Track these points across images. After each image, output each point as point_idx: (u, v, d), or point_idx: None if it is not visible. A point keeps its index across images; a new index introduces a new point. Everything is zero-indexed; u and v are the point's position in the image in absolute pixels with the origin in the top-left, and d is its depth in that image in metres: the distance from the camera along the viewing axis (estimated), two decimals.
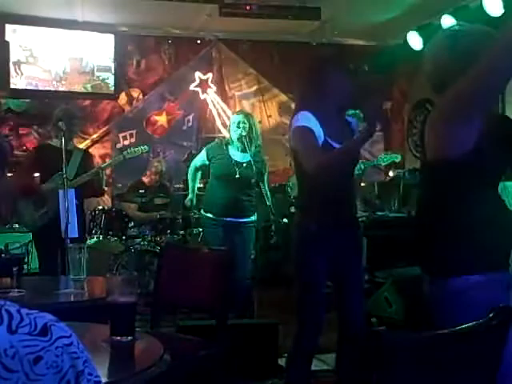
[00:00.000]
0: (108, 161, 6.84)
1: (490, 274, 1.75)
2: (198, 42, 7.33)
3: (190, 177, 4.91)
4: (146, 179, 6.21)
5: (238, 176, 4.51)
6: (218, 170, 4.61)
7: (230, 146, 4.63)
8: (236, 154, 4.59)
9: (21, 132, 6.82)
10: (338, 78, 2.77)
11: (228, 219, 4.57)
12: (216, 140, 4.94)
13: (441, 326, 1.79)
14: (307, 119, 2.68)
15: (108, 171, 6.35)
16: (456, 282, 1.76)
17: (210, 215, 4.63)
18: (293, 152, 2.82)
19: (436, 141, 1.81)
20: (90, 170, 4.57)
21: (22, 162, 5.03)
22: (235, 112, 5.02)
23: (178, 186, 6.89)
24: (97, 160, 7.00)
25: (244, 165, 4.53)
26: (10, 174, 4.77)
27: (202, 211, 4.78)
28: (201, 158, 4.78)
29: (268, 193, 4.73)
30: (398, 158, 5.48)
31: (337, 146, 2.71)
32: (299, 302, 2.87)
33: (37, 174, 4.46)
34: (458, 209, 1.80)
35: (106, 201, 6.92)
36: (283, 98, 7.49)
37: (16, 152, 6.50)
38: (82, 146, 6.31)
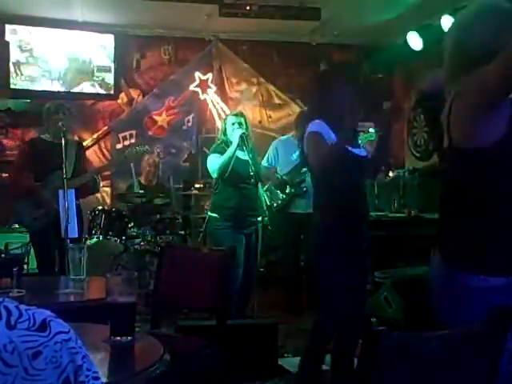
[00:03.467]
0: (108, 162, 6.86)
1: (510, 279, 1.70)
2: (198, 42, 7.33)
3: (219, 159, 4.53)
4: (143, 176, 6.21)
5: (252, 173, 4.47)
6: (233, 172, 4.50)
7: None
8: (238, 153, 4.57)
9: (21, 132, 6.81)
10: (345, 89, 3.00)
11: (248, 219, 4.53)
12: (216, 146, 4.80)
13: (443, 319, 1.79)
14: (321, 126, 2.90)
15: (108, 171, 6.34)
16: (474, 280, 1.71)
17: (225, 218, 4.52)
18: (306, 158, 3.01)
19: (464, 130, 1.74)
20: (84, 162, 4.57)
21: (16, 157, 4.99)
22: (231, 113, 4.93)
23: (177, 186, 6.90)
24: (97, 160, 7.02)
25: (249, 163, 4.50)
26: (5, 174, 4.77)
27: (212, 214, 4.64)
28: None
29: (264, 192, 4.74)
30: (372, 137, 5.58)
31: (352, 150, 2.93)
32: (324, 293, 2.95)
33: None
34: (496, 206, 1.74)
35: (105, 201, 6.93)
36: (283, 98, 7.49)
37: (15, 152, 6.49)
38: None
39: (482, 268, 1.71)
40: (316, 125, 2.92)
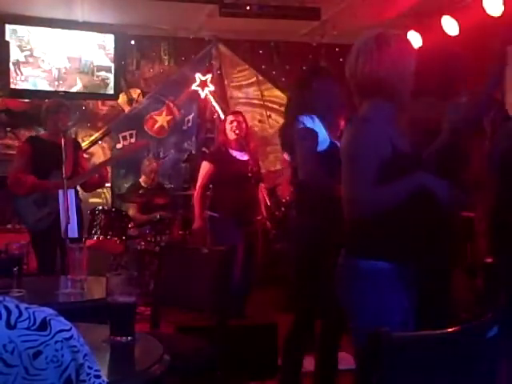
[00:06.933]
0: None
1: (396, 264, 1.90)
2: (198, 42, 7.33)
3: (197, 202, 4.70)
4: (143, 181, 6.20)
5: (250, 174, 4.46)
6: (230, 173, 4.51)
7: (228, 148, 4.60)
8: (237, 154, 4.58)
9: (21, 132, 6.81)
10: (331, 83, 2.98)
11: (248, 219, 4.52)
12: (210, 153, 4.82)
13: (343, 303, 2.01)
14: (312, 121, 2.84)
15: (108, 171, 6.33)
16: (364, 264, 1.91)
17: (225, 217, 4.51)
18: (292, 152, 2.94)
19: None
20: (81, 161, 4.56)
21: (15, 155, 4.92)
22: (230, 112, 4.95)
23: (177, 185, 6.89)
24: (97, 160, 7.01)
25: (248, 163, 4.49)
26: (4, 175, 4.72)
27: (212, 213, 4.64)
28: (205, 173, 4.66)
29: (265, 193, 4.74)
30: None
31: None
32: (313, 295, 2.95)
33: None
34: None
35: (106, 201, 6.92)
36: (283, 97, 7.49)
37: (15, 152, 6.48)
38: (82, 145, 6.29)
39: (369, 253, 1.92)
40: (307, 119, 2.84)
